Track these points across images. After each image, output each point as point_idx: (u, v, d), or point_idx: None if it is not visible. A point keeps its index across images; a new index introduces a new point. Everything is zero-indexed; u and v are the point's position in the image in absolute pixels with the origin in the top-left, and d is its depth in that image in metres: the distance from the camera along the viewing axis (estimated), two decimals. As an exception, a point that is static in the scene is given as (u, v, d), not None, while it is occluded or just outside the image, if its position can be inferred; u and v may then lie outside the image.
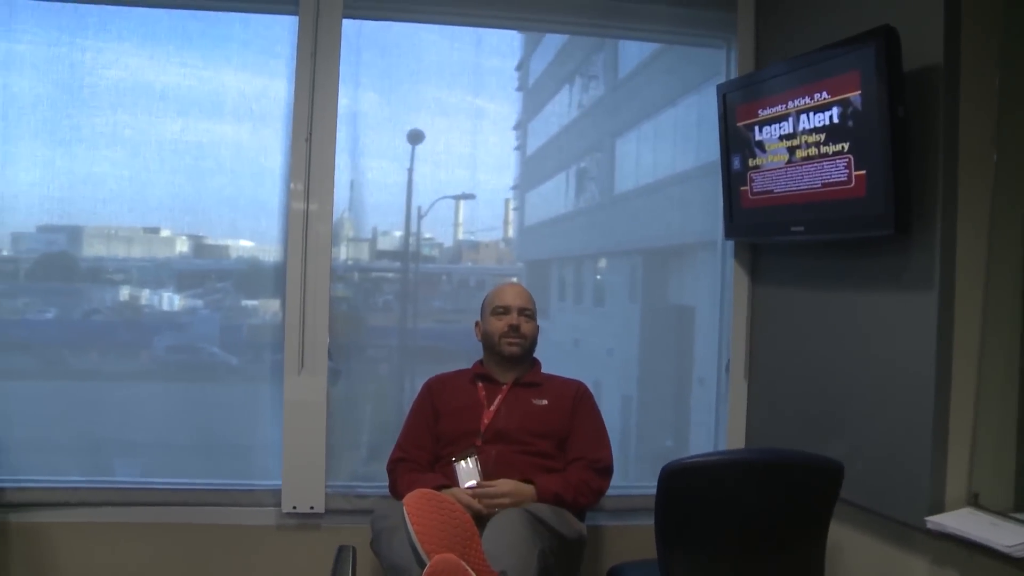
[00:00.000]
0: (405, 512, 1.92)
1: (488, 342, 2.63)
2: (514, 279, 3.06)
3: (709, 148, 2.85)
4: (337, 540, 2.23)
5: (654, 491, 1.89)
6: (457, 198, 3.00)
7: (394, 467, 2.53)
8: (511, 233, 3.13)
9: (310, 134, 2.71)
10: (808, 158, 2.32)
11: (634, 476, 2.86)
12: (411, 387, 2.88)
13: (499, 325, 2.59)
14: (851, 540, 2.33)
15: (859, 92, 2.12)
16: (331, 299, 2.75)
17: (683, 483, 1.90)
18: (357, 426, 2.88)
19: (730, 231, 2.77)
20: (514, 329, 2.57)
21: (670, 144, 3.06)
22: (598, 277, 3.19)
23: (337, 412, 2.81)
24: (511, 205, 3.10)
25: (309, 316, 2.72)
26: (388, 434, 2.73)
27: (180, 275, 2.93)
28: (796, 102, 2.34)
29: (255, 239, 2.92)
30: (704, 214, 2.98)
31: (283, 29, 2.77)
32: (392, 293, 3.04)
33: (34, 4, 2.69)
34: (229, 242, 2.95)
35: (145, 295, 2.93)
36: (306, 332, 2.72)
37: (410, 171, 2.91)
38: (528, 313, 2.62)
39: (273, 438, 2.78)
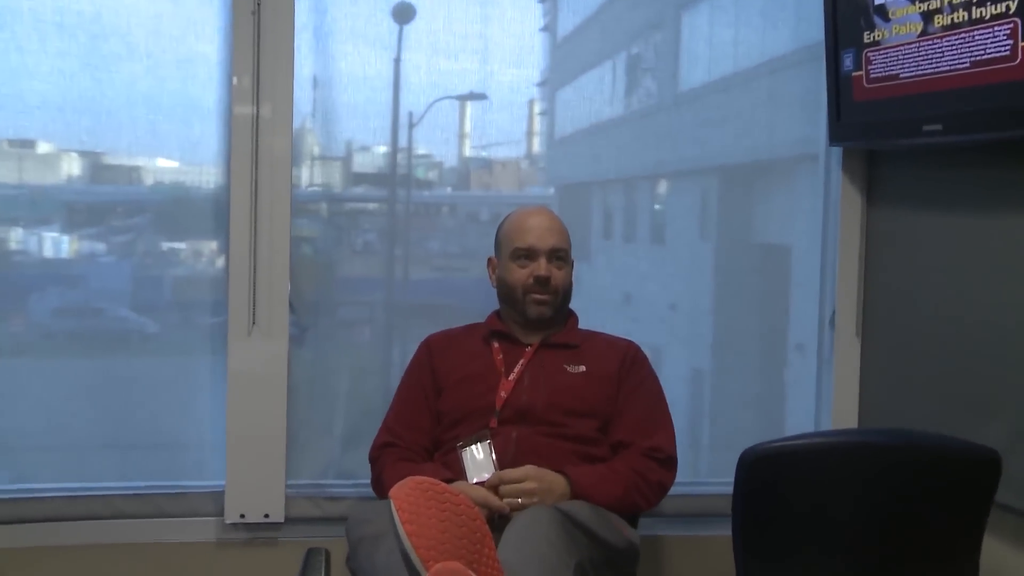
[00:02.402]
0: (393, 507, 1.90)
1: (506, 293, 2.65)
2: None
3: (811, 24, 2.86)
4: (301, 557, 2.27)
5: (731, 490, 1.91)
6: (463, 99, 3.03)
7: (379, 455, 2.57)
8: (537, 147, 3.18)
9: (258, 5, 2.73)
10: (952, 26, 2.30)
11: (706, 472, 2.94)
12: (401, 357, 2.95)
13: (521, 275, 2.60)
14: (1013, 558, 2.33)
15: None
16: (291, 239, 2.81)
17: (772, 475, 1.90)
18: (328, 408, 2.95)
19: (837, 134, 2.80)
20: (542, 282, 2.58)
21: (757, 19, 3.06)
22: (657, 206, 3.24)
23: (301, 390, 2.87)
24: (537, 108, 3.13)
25: (262, 257, 2.77)
26: (371, 417, 2.77)
27: (70, 208, 2.95)
28: (935, -53, 2.35)
29: (183, 157, 2.95)
30: (804, 116, 3.01)
31: None
32: (374, 231, 3.11)
33: None
34: (142, 161, 2.96)
35: (16, 236, 2.92)
36: (258, 279, 2.76)
37: (397, 61, 2.94)
38: (561, 255, 2.63)
39: (213, 426, 2.85)
